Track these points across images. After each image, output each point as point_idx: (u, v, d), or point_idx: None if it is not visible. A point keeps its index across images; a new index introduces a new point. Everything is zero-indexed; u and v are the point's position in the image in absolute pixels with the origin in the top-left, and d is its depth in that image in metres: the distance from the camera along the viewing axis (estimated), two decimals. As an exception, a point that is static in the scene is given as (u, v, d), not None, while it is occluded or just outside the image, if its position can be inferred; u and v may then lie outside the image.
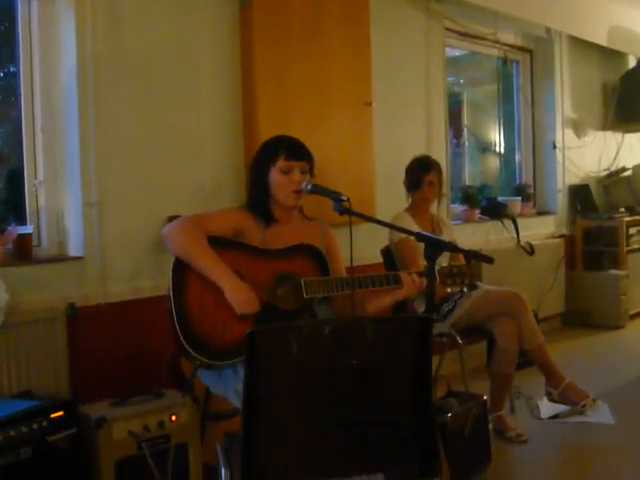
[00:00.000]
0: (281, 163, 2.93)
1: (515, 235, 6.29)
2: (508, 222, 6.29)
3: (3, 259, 3.41)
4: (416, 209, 4.40)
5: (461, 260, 4.08)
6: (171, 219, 3.60)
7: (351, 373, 2.08)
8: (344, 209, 2.72)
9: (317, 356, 2.06)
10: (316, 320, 2.74)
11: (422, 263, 2.87)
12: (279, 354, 2.04)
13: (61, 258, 3.66)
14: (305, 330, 2.08)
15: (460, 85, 7.14)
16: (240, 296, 2.72)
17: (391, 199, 4.66)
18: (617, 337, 6.62)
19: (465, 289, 3.98)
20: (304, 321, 2.68)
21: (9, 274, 3.33)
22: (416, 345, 2.12)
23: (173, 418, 3.23)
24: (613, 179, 7.63)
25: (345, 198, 2.72)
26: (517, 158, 7.20)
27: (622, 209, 7.43)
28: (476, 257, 2.76)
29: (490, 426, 3.88)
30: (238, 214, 2.98)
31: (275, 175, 2.94)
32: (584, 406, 4.22)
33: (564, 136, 7.10)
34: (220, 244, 2.79)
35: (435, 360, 3.71)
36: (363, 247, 3.32)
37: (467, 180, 6.72)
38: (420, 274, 2.85)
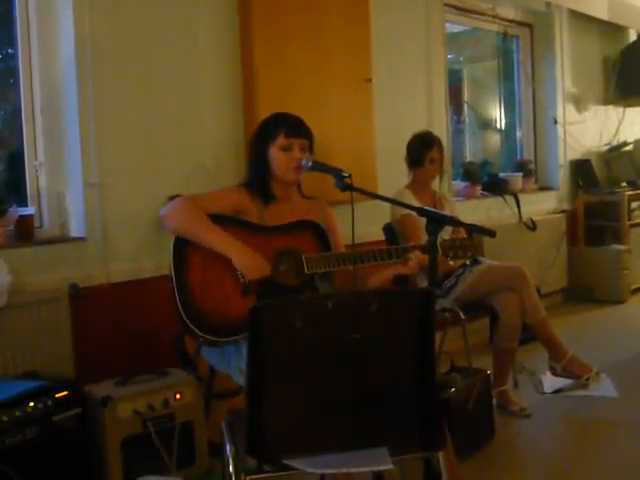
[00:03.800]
0: (281, 140, 2.91)
1: (517, 211, 6.29)
2: (510, 198, 6.29)
3: (5, 241, 3.41)
4: (417, 185, 4.39)
5: (463, 235, 4.08)
6: (172, 199, 3.58)
7: (354, 347, 2.08)
8: (346, 185, 2.70)
9: (320, 330, 2.05)
10: (319, 294, 2.74)
11: (424, 239, 2.86)
12: (282, 329, 2.04)
13: (63, 239, 3.67)
14: (308, 305, 2.08)
15: (460, 62, 7.11)
16: (250, 261, 2.72)
17: (392, 176, 4.66)
18: (619, 312, 6.63)
19: (468, 262, 3.99)
20: (307, 296, 2.68)
21: (11, 255, 3.34)
22: (419, 318, 2.12)
23: (178, 397, 3.25)
24: (614, 154, 7.62)
25: (347, 174, 2.71)
26: (518, 134, 7.18)
27: (624, 184, 7.42)
28: (478, 231, 2.75)
29: (494, 401, 3.90)
30: (235, 193, 2.96)
31: (275, 152, 2.92)
32: (587, 379, 4.23)
33: (565, 111, 7.08)
34: (220, 221, 2.78)
35: (438, 336, 3.72)
36: (364, 225, 3.31)
37: (468, 156, 6.70)
38: (422, 248, 2.85)
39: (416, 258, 2.85)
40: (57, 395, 2.95)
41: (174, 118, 3.95)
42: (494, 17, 6.33)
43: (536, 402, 4.26)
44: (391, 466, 2.11)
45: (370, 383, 2.14)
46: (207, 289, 2.70)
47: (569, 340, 4.41)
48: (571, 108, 7.19)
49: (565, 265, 6.96)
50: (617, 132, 7.79)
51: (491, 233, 2.69)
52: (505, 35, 6.66)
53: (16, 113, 3.68)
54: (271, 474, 2.16)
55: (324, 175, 2.80)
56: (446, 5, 5.81)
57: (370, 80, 4.81)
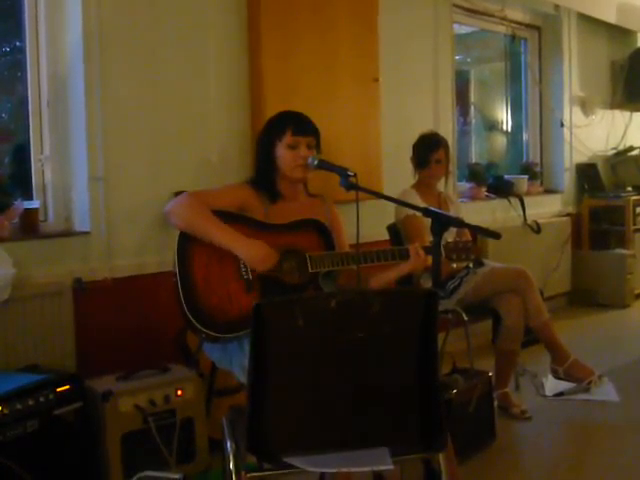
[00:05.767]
0: (288, 138, 2.91)
1: (522, 213, 6.28)
2: (515, 200, 6.28)
3: (10, 234, 3.41)
4: (423, 186, 4.38)
5: (467, 237, 4.08)
6: (177, 194, 3.59)
7: (357, 347, 2.07)
8: (351, 184, 2.70)
9: (323, 329, 2.05)
10: (322, 293, 2.74)
11: (428, 240, 2.86)
12: (285, 327, 2.04)
13: (67, 233, 3.67)
14: (311, 303, 2.08)
15: (467, 63, 7.09)
16: (256, 253, 2.72)
17: (398, 175, 4.65)
18: (623, 316, 6.62)
19: (471, 265, 3.99)
20: (310, 294, 2.67)
21: (16, 249, 3.33)
22: (422, 319, 2.12)
23: (179, 392, 3.25)
24: (620, 158, 7.59)
25: (352, 173, 2.71)
26: (524, 136, 7.16)
27: (629, 188, 7.42)
28: (483, 232, 2.75)
29: (495, 403, 3.90)
30: (241, 190, 2.97)
31: (281, 150, 2.92)
32: (589, 383, 4.22)
33: (572, 114, 7.06)
34: (225, 217, 2.79)
35: (441, 337, 3.71)
36: (369, 224, 3.30)
37: (474, 158, 6.69)
38: (425, 249, 2.85)
39: (420, 250, 2.85)
40: (58, 389, 2.95)
41: (181, 113, 3.95)
42: (502, 19, 6.31)
43: (537, 405, 4.25)
44: (391, 466, 2.11)
45: (372, 383, 2.14)
46: (210, 285, 2.70)
47: (572, 343, 4.39)
48: (578, 111, 7.17)
49: (569, 269, 6.94)
50: (623, 137, 7.77)
51: (496, 235, 2.69)
52: (513, 37, 6.64)
53: (23, 106, 3.68)
54: (271, 472, 2.16)
55: (329, 174, 2.80)
56: (454, 6, 5.81)
57: (377, 80, 4.81)
